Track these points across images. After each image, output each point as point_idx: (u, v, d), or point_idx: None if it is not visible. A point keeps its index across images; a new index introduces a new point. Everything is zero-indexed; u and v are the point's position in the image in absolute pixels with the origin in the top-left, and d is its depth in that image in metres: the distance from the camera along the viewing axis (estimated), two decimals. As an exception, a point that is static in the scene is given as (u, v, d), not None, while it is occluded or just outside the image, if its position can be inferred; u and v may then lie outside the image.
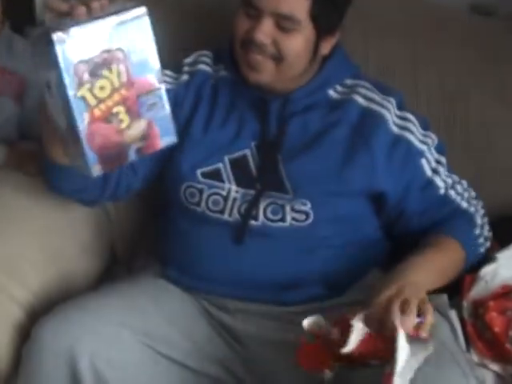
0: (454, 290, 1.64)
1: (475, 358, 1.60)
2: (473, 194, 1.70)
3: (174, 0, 2.09)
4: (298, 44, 1.54)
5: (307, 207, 1.58)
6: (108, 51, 1.22)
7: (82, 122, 1.22)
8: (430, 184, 1.64)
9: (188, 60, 1.72)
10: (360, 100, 1.64)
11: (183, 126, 1.64)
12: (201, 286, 1.62)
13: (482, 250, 1.66)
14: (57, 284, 1.67)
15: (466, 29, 1.99)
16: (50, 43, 1.18)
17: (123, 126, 1.27)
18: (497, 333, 1.59)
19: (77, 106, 1.21)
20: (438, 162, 1.66)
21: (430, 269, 1.48)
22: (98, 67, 1.22)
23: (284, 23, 1.52)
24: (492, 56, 1.93)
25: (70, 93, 1.20)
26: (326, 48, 1.60)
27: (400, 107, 1.65)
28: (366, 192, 1.62)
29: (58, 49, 1.18)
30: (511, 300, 1.62)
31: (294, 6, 1.51)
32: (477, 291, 1.65)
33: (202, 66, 1.70)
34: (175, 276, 1.63)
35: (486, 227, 1.68)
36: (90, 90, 1.22)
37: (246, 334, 1.59)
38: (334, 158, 1.60)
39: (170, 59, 1.71)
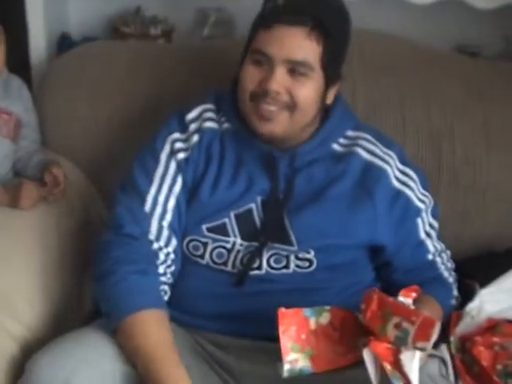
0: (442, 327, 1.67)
1: (464, 392, 1.62)
2: (453, 265, 1.74)
3: (177, 50, 2.15)
4: (310, 92, 1.54)
5: (311, 255, 1.60)
6: None
7: None
8: (421, 245, 1.68)
9: (191, 115, 1.68)
10: (363, 153, 1.65)
11: (193, 188, 1.63)
12: (196, 323, 1.63)
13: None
14: (51, 319, 1.68)
15: (451, 68, 2.03)
16: None
17: None
18: (485, 367, 1.60)
19: None
20: (431, 225, 1.69)
21: None
22: None
23: (298, 69, 1.52)
24: (476, 94, 1.98)
25: None
26: (330, 97, 1.61)
27: (402, 161, 1.68)
28: (368, 243, 1.65)
29: None
30: (497, 334, 1.64)
31: (307, 51, 1.51)
32: (463, 327, 1.67)
33: (209, 124, 1.66)
34: (170, 313, 1.60)
35: (458, 300, 1.72)
36: None
37: (240, 370, 1.59)
38: (338, 211, 1.61)
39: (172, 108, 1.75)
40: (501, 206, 1.95)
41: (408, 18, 2.24)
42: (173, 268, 1.61)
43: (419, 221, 1.67)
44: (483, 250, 1.94)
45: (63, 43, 2.31)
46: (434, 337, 1.34)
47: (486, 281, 1.71)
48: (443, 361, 1.56)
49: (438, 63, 2.04)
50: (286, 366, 1.37)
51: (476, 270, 1.79)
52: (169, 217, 1.61)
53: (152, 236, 1.59)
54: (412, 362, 1.34)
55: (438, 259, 1.70)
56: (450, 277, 1.72)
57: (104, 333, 1.50)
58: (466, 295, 1.70)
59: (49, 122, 2.06)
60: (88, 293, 1.82)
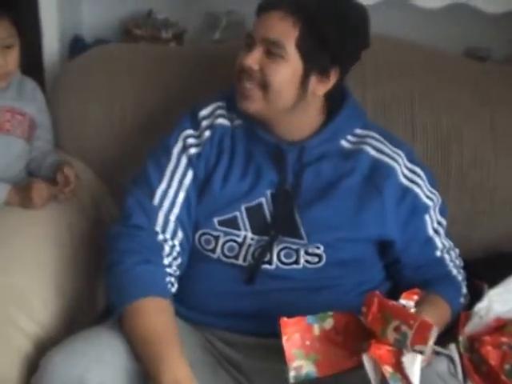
0: (450, 327, 1.69)
1: (472, 390, 1.63)
2: (461, 263, 1.75)
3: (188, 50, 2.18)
4: (283, 73, 1.58)
5: (320, 250, 1.63)
6: None
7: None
8: (429, 241, 1.70)
9: (204, 113, 1.73)
10: (371, 151, 1.68)
11: (204, 180, 1.68)
12: (206, 320, 1.65)
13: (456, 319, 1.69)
14: (64, 317, 1.71)
15: (460, 72, 2.05)
16: None
17: None
18: (492, 366, 1.61)
19: None
20: (439, 223, 1.71)
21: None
22: None
23: (271, 49, 1.57)
24: (484, 98, 1.99)
25: None
26: (319, 89, 1.63)
27: (411, 160, 1.70)
28: (376, 239, 1.67)
29: None
30: (505, 334, 1.65)
31: (281, 32, 1.57)
32: (472, 326, 1.68)
33: (221, 120, 1.72)
34: (180, 310, 1.64)
35: (467, 298, 1.73)
36: None
37: (249, 367, 1.61)
38: (347, 207, 1.64)
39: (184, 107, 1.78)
40: (509, 208, 1.97)
41: (417, 22, 2.25)
42: (179, 260, 1.64)
43: (427, 218, 1.69)
44: (491, 251, 1.95)
45: (76, 45, 2.33)
46: (432, 340, 1.36)
47: (494, 281, 1.73)
48: (452, 359, 1.57)
49: (446, 67, 2.06)
50: (292, 373, 1.40)
51: (485, 271, 1.80)
52: (177, 210, 1.65)
53: (158, 228, 1.63)
54: (413, 365, 1.37)
55: (447, 256, 1.72)
56: (458, 274, 1.73)
57: (116, 331, 1.52)
58: (475, 295, 1.72)
59: (62, 124, 2.08)
60: (100, 291, 1.84)
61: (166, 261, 1.60)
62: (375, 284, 1.68)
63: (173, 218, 1.64)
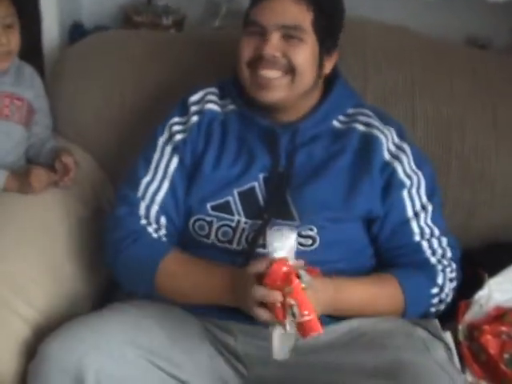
0: (449, 315, 1.68)
1: (470, 379, 1.63)
2: (449, 254, 1.67)
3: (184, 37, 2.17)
4: (305, 55, 1.61)
5: (313, 232, 1.61)
6: None
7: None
8: (405, 224, 1.65)
9: (194, 98, 1.74)
10: (360, 127, 1.68)
11: (195, 165, 1.69)
12: (203, 308, 1.63)
13: (433, 310, 1.66)
14: (61, 303, 1.71)
15: (461, 60, 2.04)
16: None
17: None
18: (492, 355, 1.62)
19: None
20: (423, 207, 1.66)
21: (357, 296, 1.55)
22: None
23: (291, 33, 1.59)
24: (485, 86, 1.99)
25: None
26: (327, 67, 1.67)
27: (401, 136, 1.69)
28: (366, 216, 1.65)
29: None
30: (505, 323, 1.66)
31: (298, 16, 1.60)
32: (472, 315, 1.69)
33: (210, 105, 1.73)
34: None
35: (447, 290, 1.65)
36: None
37: (248, 355, 1.60)
38: (339, 186, 1.63)
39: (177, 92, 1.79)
40: (509, 198, 1.96)
41: (419, 10, 2.25)
42: (167, 239, 1.67)
43: (405, 196, 1.65)
44: (491, 240, 1.94)
45: (75, 32, 2.33)
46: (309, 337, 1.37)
47: (494, 270, 1.73)
48: (448, 347, 1.58)
49: (447, 55, 2.05)
50: None
51: (485, 260, 1.80)
52: (159, 199, 1.68)
53: (140, 214, 1.67)
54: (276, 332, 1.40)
55: (424, 242, 1.65)
56: (438, 264, 1.65)
57: (115, 317, 1.54)
58: (476, 284, 1.71)
59: (61, 110, 2.08)
60: (98, 278, 1.84)
61: (155, 235, 1.65)
62: (365, 272, 1.66)
63: (156, 207, 1.67)
